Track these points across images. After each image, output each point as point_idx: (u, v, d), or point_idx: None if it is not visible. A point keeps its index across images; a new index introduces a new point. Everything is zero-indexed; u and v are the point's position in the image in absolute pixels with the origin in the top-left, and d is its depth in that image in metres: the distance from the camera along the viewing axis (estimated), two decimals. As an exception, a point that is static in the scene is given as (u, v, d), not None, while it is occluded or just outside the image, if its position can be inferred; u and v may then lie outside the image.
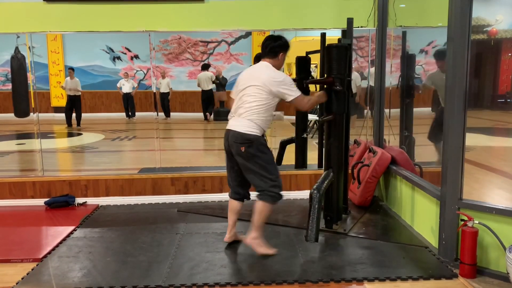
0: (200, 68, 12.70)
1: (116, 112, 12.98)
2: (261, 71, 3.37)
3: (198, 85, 11.91)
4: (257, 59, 3.87)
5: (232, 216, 3.61)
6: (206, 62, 13.10)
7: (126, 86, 12.34)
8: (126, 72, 12.82)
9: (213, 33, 13.02)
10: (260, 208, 3.37)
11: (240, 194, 3.56)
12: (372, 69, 5.00)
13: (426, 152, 4.68)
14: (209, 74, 11.92)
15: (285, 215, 4.35)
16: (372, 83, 5.01)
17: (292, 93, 3.34)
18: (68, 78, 11.19)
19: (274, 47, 3.39)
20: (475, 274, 3.04)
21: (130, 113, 12.52)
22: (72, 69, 11.43)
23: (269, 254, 3.41)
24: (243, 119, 3.31)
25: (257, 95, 3.30)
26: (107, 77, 13.60)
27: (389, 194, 4.59)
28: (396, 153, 4.45)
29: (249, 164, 3.32)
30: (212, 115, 11.92)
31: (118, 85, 12.43)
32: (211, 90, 11.91)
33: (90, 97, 13.21)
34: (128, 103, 12.47)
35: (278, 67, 3.44)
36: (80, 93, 11.16)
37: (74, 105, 11.06)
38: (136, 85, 12.75)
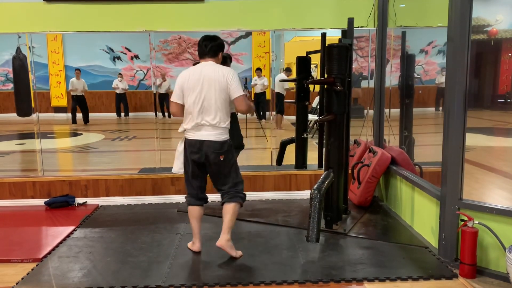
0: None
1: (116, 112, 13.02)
2: (215, 70, 3.26)
3: None
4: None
5: (198, 223, 3.51)
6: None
7: (120, 87, 12.49)
8: (120, 73, 12.90)
9: (213, 33, 12.96)
10: (234, 209, 3.38)
11: (203, 199, 3.53)
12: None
13: (426, 152, 4.68)
14: None
15: (285, 215, 4.35)
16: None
17: (240, 90, 3.25)
18: (74, 78, 11.64)
19: (213, 47, 3.34)
20: (475, 274, 3.04)
21: (124, 113, 12.76)
22: (78, 70, 11.88)
23: (237, 257, 3.37)
24: (216, 128, 3.23)
25: (223, 97, 3.22)
26: (107, 77, 13.57)
27: (389, 194, 4.59)
28: (396, 153, 4.45)
29: (225, 169, 3.34)
30: None
31: (113, 85, 12.55)
32: None
33: (90, 97, 13.17)
34: (122, 103, 12.65)
35: None
36: (83, 94, 11.68)
37: (80, 104, 11.57)
38: (127, 86, 12.86)
